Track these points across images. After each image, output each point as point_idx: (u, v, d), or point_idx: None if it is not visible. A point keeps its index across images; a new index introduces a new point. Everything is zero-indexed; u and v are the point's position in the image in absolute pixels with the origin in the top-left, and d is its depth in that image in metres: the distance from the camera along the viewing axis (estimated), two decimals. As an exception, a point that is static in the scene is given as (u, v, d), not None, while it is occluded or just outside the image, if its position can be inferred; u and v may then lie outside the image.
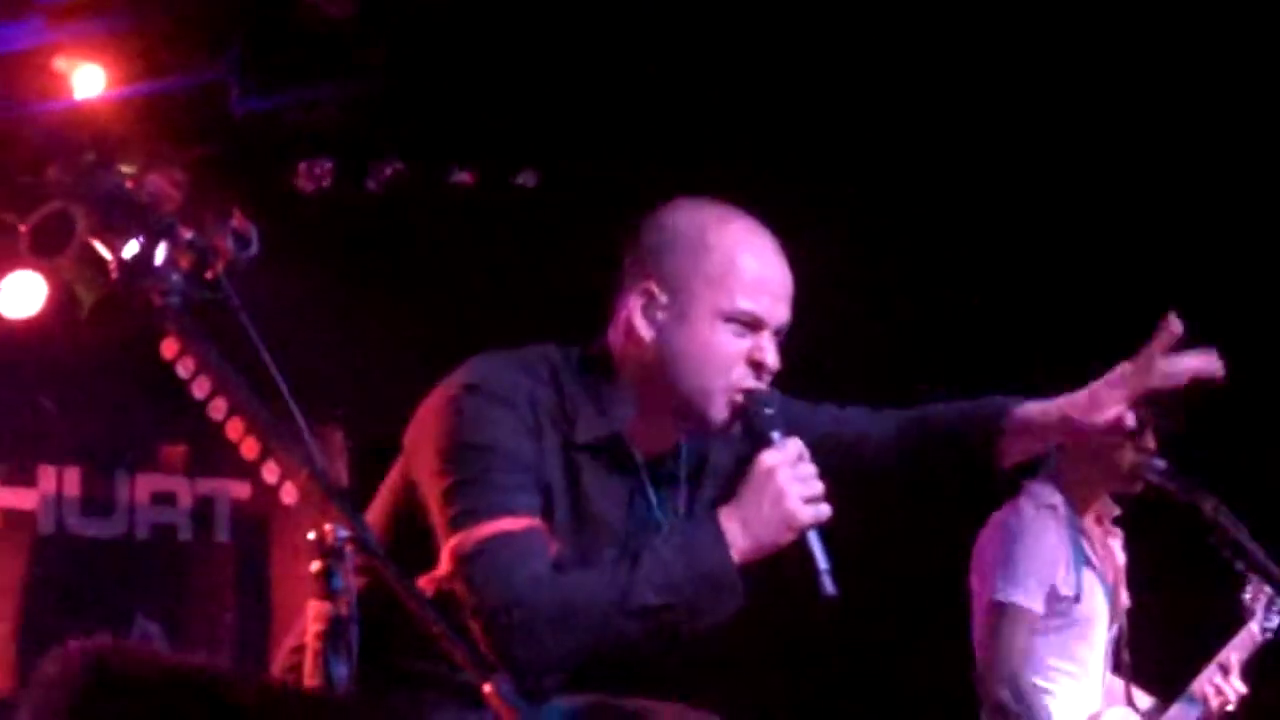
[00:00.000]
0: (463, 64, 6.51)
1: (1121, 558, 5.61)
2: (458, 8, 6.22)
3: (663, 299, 3.35)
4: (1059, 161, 6.84)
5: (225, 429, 3.00)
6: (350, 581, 2.67)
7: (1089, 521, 5.52)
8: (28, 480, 6.88)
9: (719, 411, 3.32)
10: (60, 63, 6.20)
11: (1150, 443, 5.43)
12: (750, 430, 3.30)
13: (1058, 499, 5.43)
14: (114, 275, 3.36)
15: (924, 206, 7.06)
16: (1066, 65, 6.51)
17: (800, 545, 3.18)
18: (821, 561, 3.16)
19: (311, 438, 2.91)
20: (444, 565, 3.21)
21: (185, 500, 7.18)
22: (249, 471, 2.92)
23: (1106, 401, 3.32)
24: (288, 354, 2.97)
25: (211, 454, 6.90)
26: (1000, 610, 5.31)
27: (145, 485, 7.11)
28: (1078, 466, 5.44)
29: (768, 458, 3.22)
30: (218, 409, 3.04)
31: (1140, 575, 5.72)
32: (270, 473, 2.87)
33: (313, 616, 2.70)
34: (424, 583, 2.88)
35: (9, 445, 6.82)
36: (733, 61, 6.49)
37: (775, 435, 3.26)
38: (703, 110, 6.71)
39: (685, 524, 3.32)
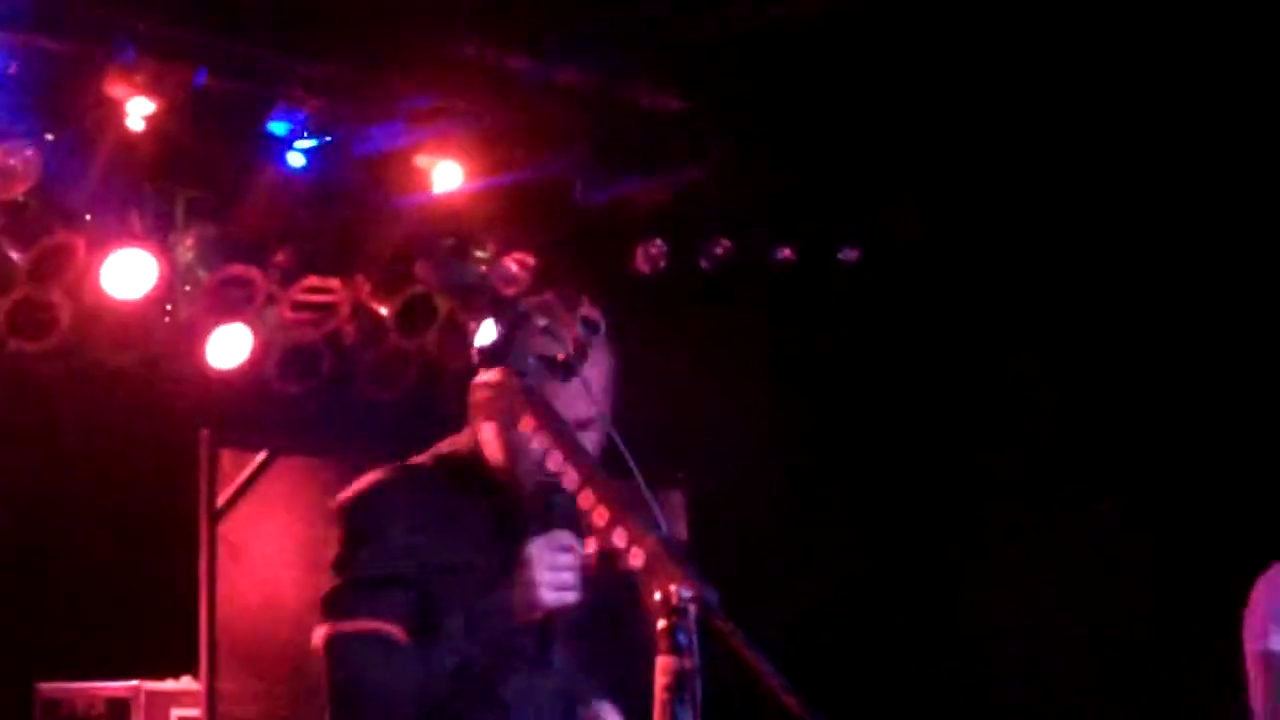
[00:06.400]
0: (785, 145, 6.58)
1: None
2: (777, 94, 6.28)
3: None
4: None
5: (578, 498, 3.12)
6: (694, 637, 2.73)
7: None
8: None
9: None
10: (421, 160, 6.43)
11: None
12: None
13: None
14: (475, 360, 3.52)
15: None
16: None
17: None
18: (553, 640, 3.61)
19: (655, 502, 2.98)
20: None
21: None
22: (596, 533, 3.02)
23: None
24: (631, 424, 3.05)
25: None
26: (1267, 660, 5.12)
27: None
28: None
29: (529, 547, 3.51)
30: (570, 480, 3.17)
31: None
32: (619, 538, 2.96)
33: (660, 670, 2.76)
34: None
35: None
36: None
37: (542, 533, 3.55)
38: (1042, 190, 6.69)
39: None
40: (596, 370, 3.61)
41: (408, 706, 3.51)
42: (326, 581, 3.60)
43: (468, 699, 3.56)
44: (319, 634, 3.56)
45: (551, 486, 3.41)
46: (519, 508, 3.62)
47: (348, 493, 3.67)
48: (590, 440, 3.50)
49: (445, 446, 3.75)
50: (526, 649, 3.63)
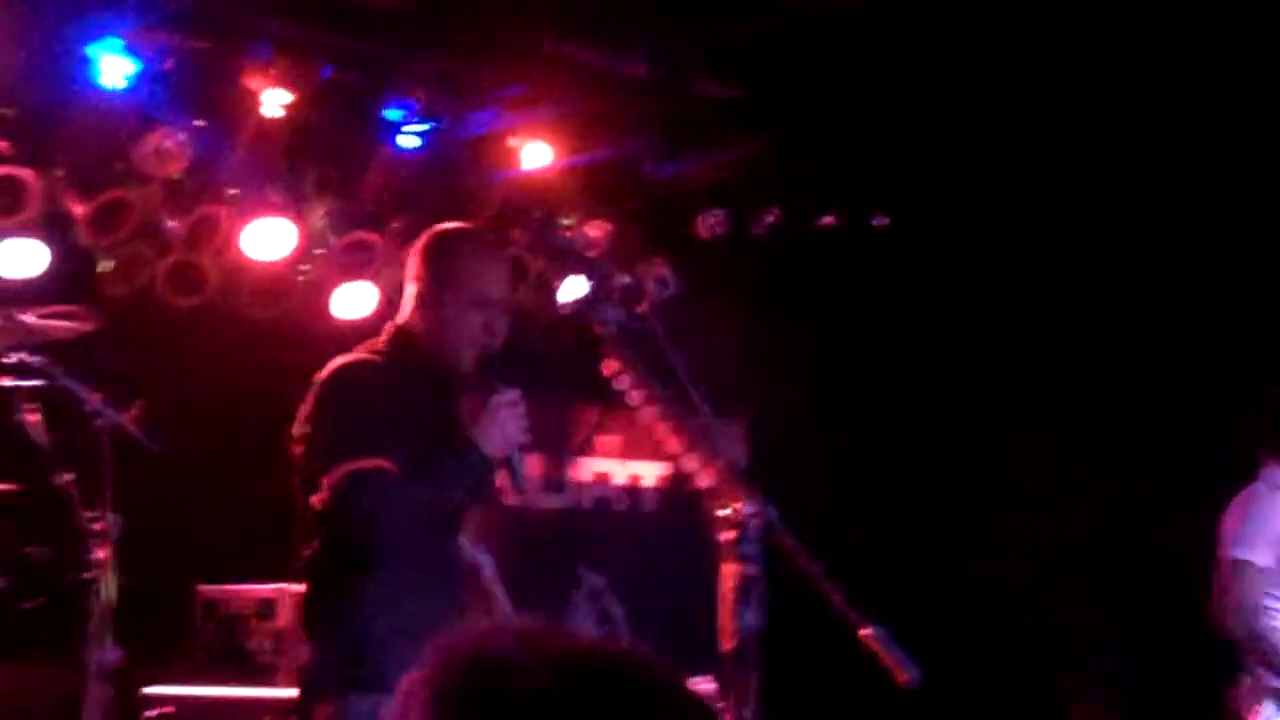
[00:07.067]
0: (826, 126, 6.60)
1: None
2: (819, 81, 6.30)
3: None
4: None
5: (655, 429, 3.21)
6: (756, 548, 2.81)
7: None
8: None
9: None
10: (513, 141, 6.51)
11: None
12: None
13: None
14: (564, 310, 3.60)
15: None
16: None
17: (514, 458, 3.83)
18: (518, 470, 3.84)
19: (720, 432, 3.04)
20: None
21: (619, 479, 7.38)
22: (670, 458, 3.11)
23: None
24: (700, 364, 3.11)
25: (640, 443, 7.11)
26: (1234, 567, 5.14)
27: (589, 467, 7.33)
28: None
29: (495, 400, 3.79)
30: (648, 414, 3.27)
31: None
32: (690, 463, 3.04)
33: (726, 576, 2.83)
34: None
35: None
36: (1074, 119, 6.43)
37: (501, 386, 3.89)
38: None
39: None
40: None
41: (408, 536, 3.70)
42: (324, 440, 3.73)
43: (440, 533, 3.81)
44: (335, 475, 3.64)
45: (490, 358, 3.86)
46: (458, 374, 3.89)
47: (328, 371, 3.89)
48: (504, 325, 3.91)
49: (369, 344, 3.96)
50: (491, 494, 3.94)
